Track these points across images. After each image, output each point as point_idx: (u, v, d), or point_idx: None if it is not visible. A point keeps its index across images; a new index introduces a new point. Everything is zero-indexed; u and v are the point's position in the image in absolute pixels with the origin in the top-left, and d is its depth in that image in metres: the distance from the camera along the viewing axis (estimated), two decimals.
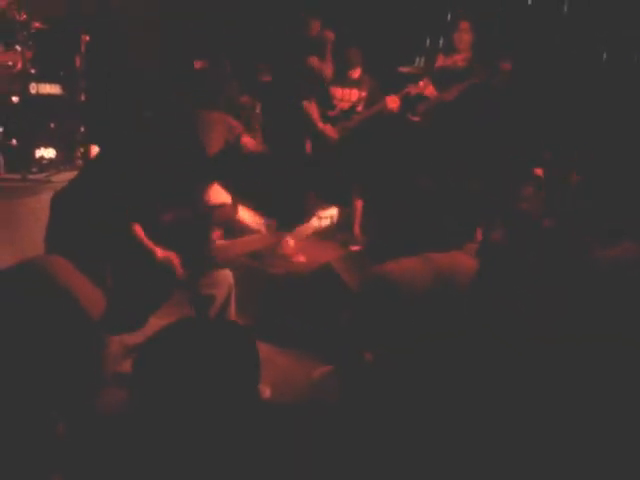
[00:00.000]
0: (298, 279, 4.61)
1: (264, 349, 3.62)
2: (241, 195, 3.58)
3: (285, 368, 3.68)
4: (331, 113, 5.79)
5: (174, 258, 3.16)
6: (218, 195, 3.48)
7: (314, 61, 6.09)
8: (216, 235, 3.86)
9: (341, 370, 2.62)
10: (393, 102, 5.43)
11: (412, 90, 5.47)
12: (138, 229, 3.09)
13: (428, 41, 6.41)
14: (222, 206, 3.47)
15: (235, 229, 3.74)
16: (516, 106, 5.42)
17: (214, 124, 3.41)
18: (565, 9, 6.06)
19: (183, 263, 3.18)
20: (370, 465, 2.11)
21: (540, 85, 5.59)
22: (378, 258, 2.58)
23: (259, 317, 4.09)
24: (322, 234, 5.47)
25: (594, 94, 5.50)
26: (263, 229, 3.62)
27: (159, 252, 3.13)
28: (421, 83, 5.47)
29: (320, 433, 2.33)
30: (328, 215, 3.65)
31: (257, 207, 3.65)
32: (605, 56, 5.83)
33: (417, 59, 6.22)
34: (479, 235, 3.30)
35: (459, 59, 5.46)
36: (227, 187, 3.52)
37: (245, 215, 3.60)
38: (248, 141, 5.40)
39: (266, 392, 3.26)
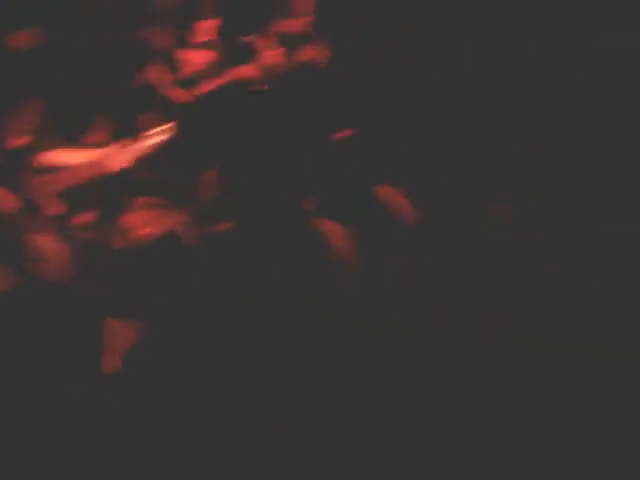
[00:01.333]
0: (142, 250, 4.52)
1: (111, 322, 3.57)
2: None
3: (132, 340, 3.62)
4: (180, 76, 5.66)
5: None
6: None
7: (154, 29, 5.95)
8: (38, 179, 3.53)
9: (187, 337, 2.60)
10: (244, 69, 5.40)
11: (268, 56, 5.45)
12: None
13: (269, 5, 6.38)
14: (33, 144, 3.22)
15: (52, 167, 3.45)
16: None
17: None
18: None
19: None
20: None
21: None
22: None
23: (104, 291, 4.00)
24: (167, 205, 5.35)
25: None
26: (84, 160, 3.38)
27: None
28: (271, 52, 5.45)
29: (174, 405, 2.30)
30: (161, 129, 3.43)
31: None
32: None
33: (260, 25, 6.18)
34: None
35: (300, 23, 5.47)
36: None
37: (58, 153, 3.35)
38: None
39: (114, 363, 3.21)
